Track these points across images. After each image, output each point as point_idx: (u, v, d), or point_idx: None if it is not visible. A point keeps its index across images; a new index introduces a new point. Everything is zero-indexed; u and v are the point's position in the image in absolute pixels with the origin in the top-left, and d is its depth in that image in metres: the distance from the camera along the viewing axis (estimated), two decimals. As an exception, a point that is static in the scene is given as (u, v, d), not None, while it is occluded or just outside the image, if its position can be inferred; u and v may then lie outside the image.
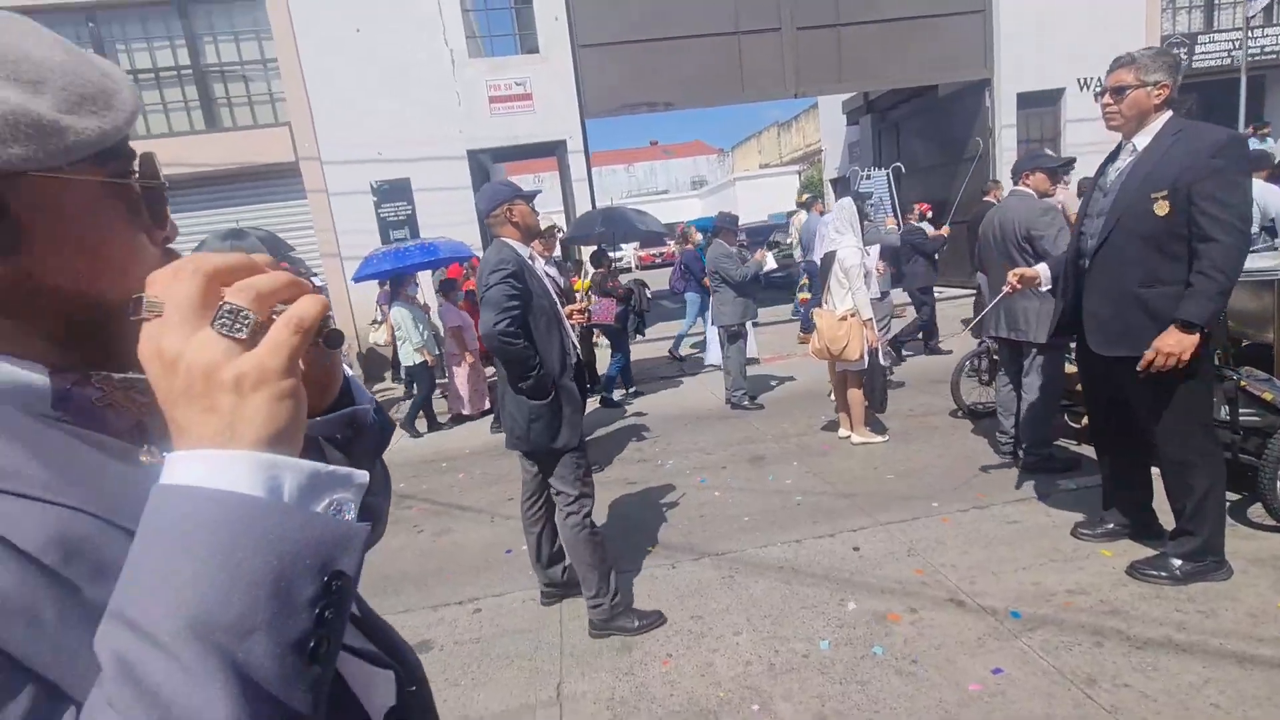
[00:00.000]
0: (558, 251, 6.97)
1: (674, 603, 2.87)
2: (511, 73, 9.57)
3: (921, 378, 6.17)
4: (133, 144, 0.52)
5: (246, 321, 0.41)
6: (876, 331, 4.39)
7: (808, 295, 7.80)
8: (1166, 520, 2.75)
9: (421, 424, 6.56)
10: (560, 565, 2.97)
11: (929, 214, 9.97)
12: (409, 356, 6.47)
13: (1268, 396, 2.89)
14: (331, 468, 0.44)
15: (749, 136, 45.52)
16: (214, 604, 0.37)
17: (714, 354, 7.29)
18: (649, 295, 7.39)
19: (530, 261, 2.67)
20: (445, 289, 6.84)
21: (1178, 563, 2.56)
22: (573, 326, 2.92)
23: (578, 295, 6.25)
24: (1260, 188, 4.79)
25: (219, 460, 0.40)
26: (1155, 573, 2.59)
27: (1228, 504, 2.66)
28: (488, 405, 6.79)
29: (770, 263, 6.07)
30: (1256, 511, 2.95)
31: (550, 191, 11.61)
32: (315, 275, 7.79)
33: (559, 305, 2.77)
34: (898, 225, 7.53)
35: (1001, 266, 3.66)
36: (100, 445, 0.47)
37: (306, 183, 9.24)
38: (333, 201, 9.27)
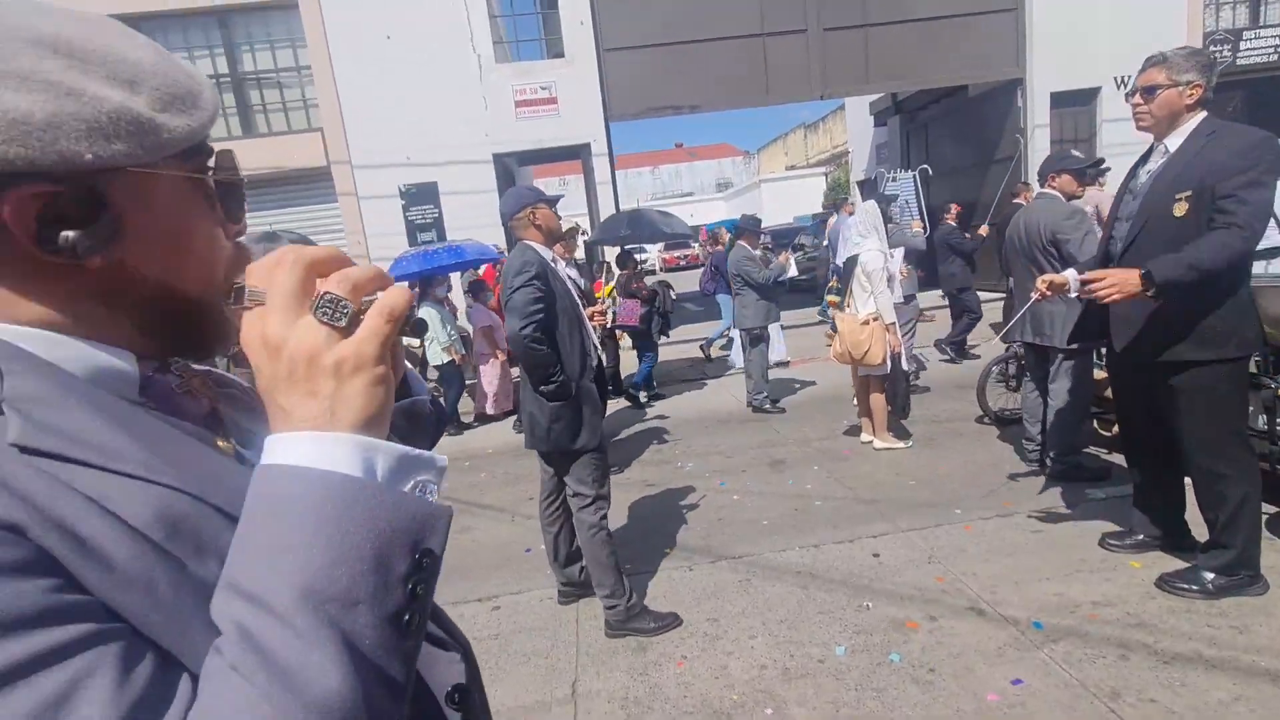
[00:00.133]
0: (580, 253, 7.03)
1: (690, 605, 2.88)
2: (537, 77, 9.68)
3: (947, 383, 6.07)
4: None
5: (345, 310, 0.43)
6: (900, 336, 4.34)
7: (836, 298, 7.74)
8: (1199, 532, 2.68)
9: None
10: (578, 565, 3.00)
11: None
12: (437, 356, 6.58)
13: (1308, 406, 2.79)
14: (417, 451, 0.46)
15: (775, 138, 45.24)
16: (323, 576, 0.39)
17: (738, 357, 7.28)
18: (673, 297, 7.40)
19: (553, 264, 2.71)
20: (475, 290, 6.94)
21: (1210, 576, 2.49)
22: (594, 329, 2.96)
23: (600, 300, 6.29)
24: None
25: (322, 442, 0.42)
26: (1186, 586, 2.52)
27: (1265, 516, 2.57)
28: (511, 405, 6.87)
29: (793, 269, 6.02)
30: (1296, 525, 2.85)
31: (575, 194, 11.71)
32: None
33: (580, 307, 2.80)
34: (924, 228, 7.41)
35: (1027, 270, 3.60)
36: (182, 430, 0.50)
37: (337, 186, 9.46)
38: (362, 205, 9.47)
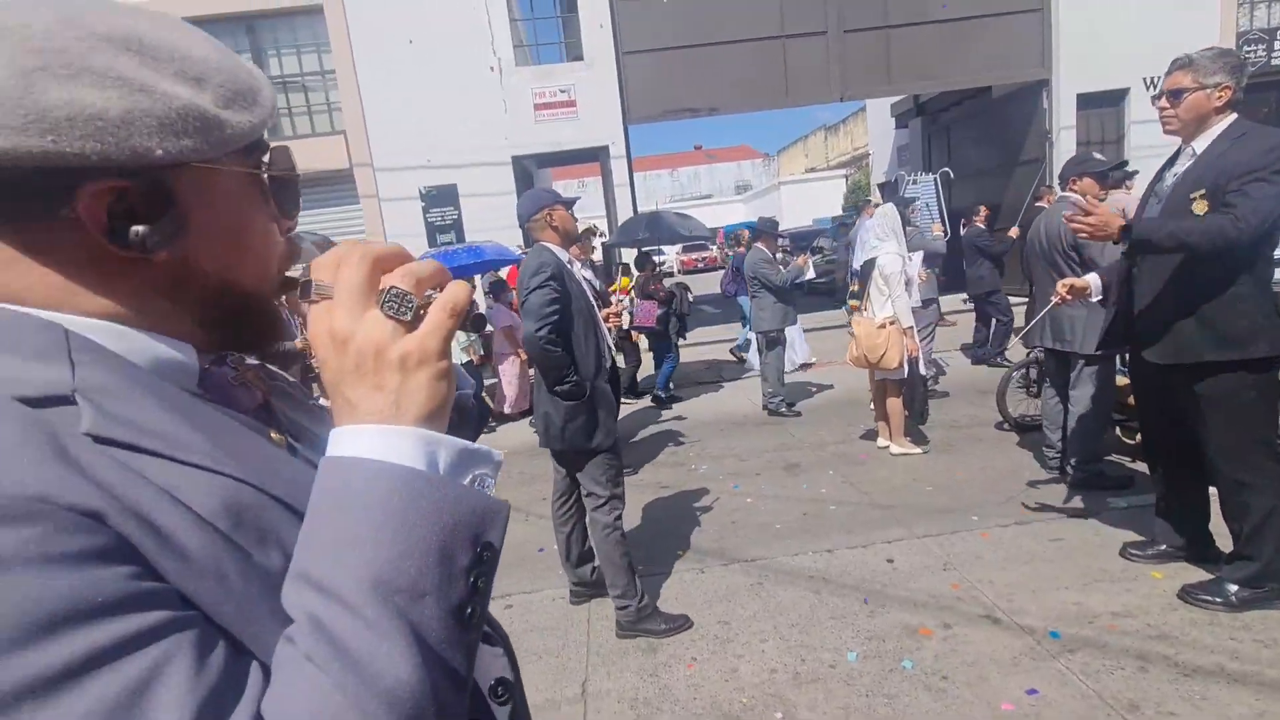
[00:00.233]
0: (599, 254, 7.06)
1: (701, 607, 2.88)
2: (556, 80, 9.74)
3: (968, 388, 5.99)
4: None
5: (410, 305, 0.44)
6: (917, 340, 4.30)
7: (857, 302, 7.68)
8: (1224, 543, 2.61)
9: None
10: (590, 565, 3.01)
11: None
12: (457, 355, 6.66)
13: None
14: (475, 445, 0.47)
15: (795, 140, 45.01)
16: (392, 568, 0.40)
17: (756, 359, 7.26)
18: (691, 299, 7.41)
19: (569, 266, 2.73)
20: (495, 290, 7.02)
21: (1234, 588, 2.43)
22: (609, 330, 2.97)
23: (615, 298, 6.32)
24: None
25: (388, 435, 0.43)
26: (1209, 598, 2.46)
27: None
28: (528, 405, 6.92)
29: (810, 272, 5.99)
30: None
31: (593, 196, 11.76)
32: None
33: (595, 309, 2.82)
34: (945, 232, 7.31)
35: (1047, 274, 3.54)
36: (239, 421, 0.50)
37: (359, 189, 9.61)
38: (383, 207, 9.61)
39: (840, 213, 23.88)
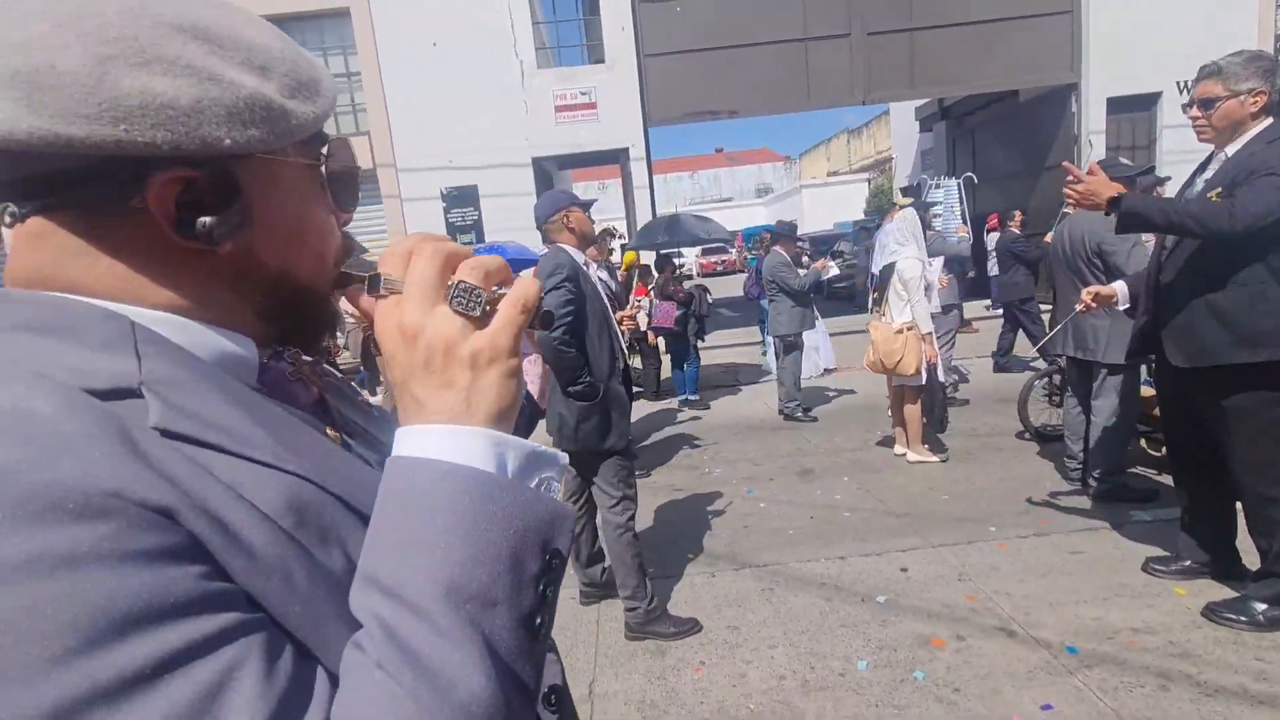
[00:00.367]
0: (616, 256, 7.08)
1: (711, 611, 2.87)
2: (578, 82, 9.80)
3: (990, 396, 5.89)
4: None
5: (479, 300, 0.43)
6: (936, 346, 4.24)
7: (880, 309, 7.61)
8: (1251, 560, 2.54)
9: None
10: (600, 566, 3.02)
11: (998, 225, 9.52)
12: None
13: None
14: (542, 447, 0.45)
15: (818, 144, 44.73)
16: (463, 574, 0.38)
17: (774, 363, 7.23)
18: (709, 301, 7.41)
19: (584, 267, 2.74)
20: None
21: (1261, 607, 2.36)
22: (622, 332, 2.98)
23: (632, 299, 6.32)
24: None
25: (458, 435, 0.42)
26: (1234, 616, 2.39)
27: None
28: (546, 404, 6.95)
29: (833, 269, 5.94)
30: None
31: (613, 198, 11.79)
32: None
33: (610, 310, 2.83)
34: (968, 234, 7.18)
35: (1070, 281, 3.47)
36: (298, 417, 0.49)
37: (382, 189, 9.74)
38: (405, 207, 9.73)
39: (862, 217, 23.67)
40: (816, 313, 7.59)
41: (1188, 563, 2.73)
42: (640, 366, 7.31)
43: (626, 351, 2.99)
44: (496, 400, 0.43)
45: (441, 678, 0.36)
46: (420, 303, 0.43)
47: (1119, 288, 2.90)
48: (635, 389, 6.87)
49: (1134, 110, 10.19)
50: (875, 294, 4.47)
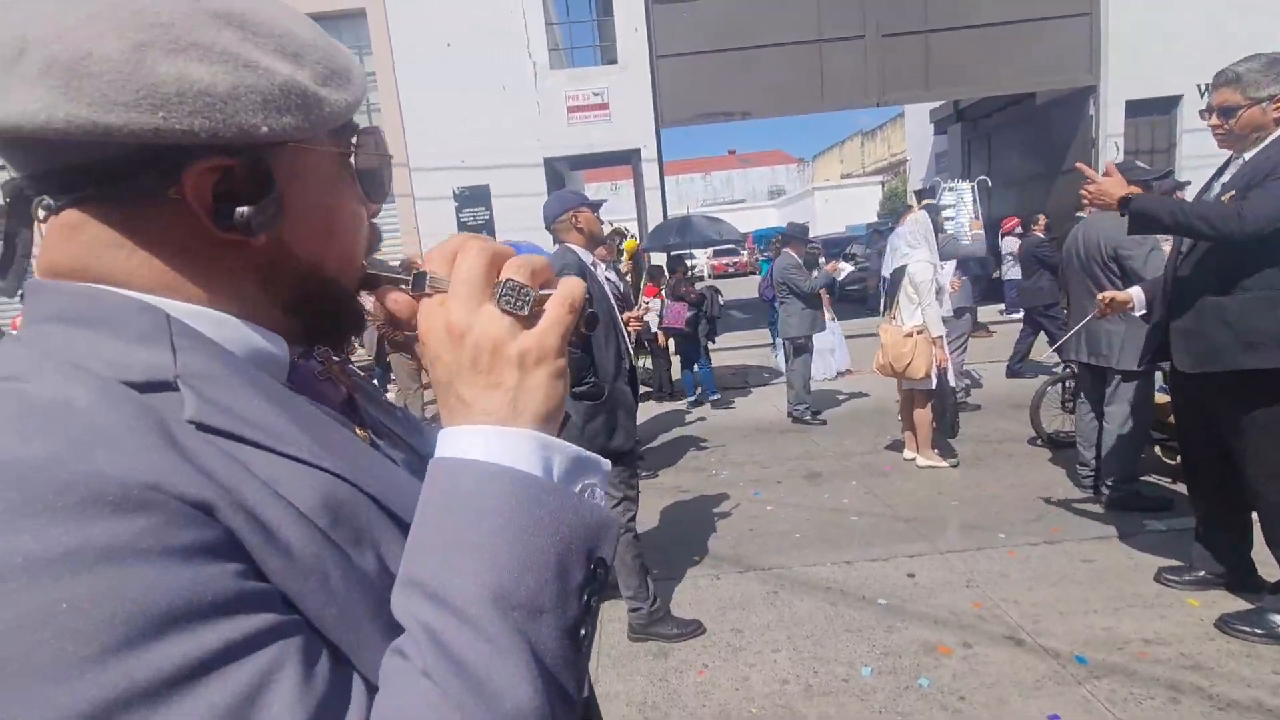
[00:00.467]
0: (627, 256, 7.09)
1: (715, 614, 2.85)
2: (590, 83, 9.82)
3: (1002, 402, 5.83)
4: None
5: (527, 299, 0.42)
6: (946, 350, 4.20)
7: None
8: (1268, 571, 2.49)
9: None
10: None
11: (1020, 229, 9.42)
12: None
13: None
14: (587, 452, 0.44)
15: (831, 146, 44.53)
16: (511, 580, 0.37)
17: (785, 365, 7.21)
18: (721, 302, 7.40)
19: (592, 268, 2.74)
20: None
21: (1277, 619, 2.31)
22: (629, 333, 2.97)
23: (642, 301, 6.32)
24: None
25: (505, 437, 0.40)
26: (1249, 629, 2.34)
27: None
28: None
29: (845, 270, 5.90)
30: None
31: (625, 199, 11.80)
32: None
33: (616, 311, 2.83)
34: (981, 231, 7.09)
35: (1084, 286, 3.43)
36: (329, 416, 0.48)
37: (395, 188, 9.80)
38: (417, 206, 9.80)
39: (875, 219, 23.52)
40: (833, 314, 7.57)
41: (1202, 573, 2.68)
42: (651, 367, 7.31)
43: (634, 352, 2.98)
44: (544, 401, 0.42)
45: (487, 687, 0.35)
46: (467, 301, 0.42)
47: (1135, 293, 2.86)
48: (644, 389, 6.88)
49: (1153, 113, 10.04)
50: (886, 297, 4.44)
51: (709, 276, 24.69)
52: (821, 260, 6.41)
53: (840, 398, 6.65)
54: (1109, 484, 3.51)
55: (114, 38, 0.38)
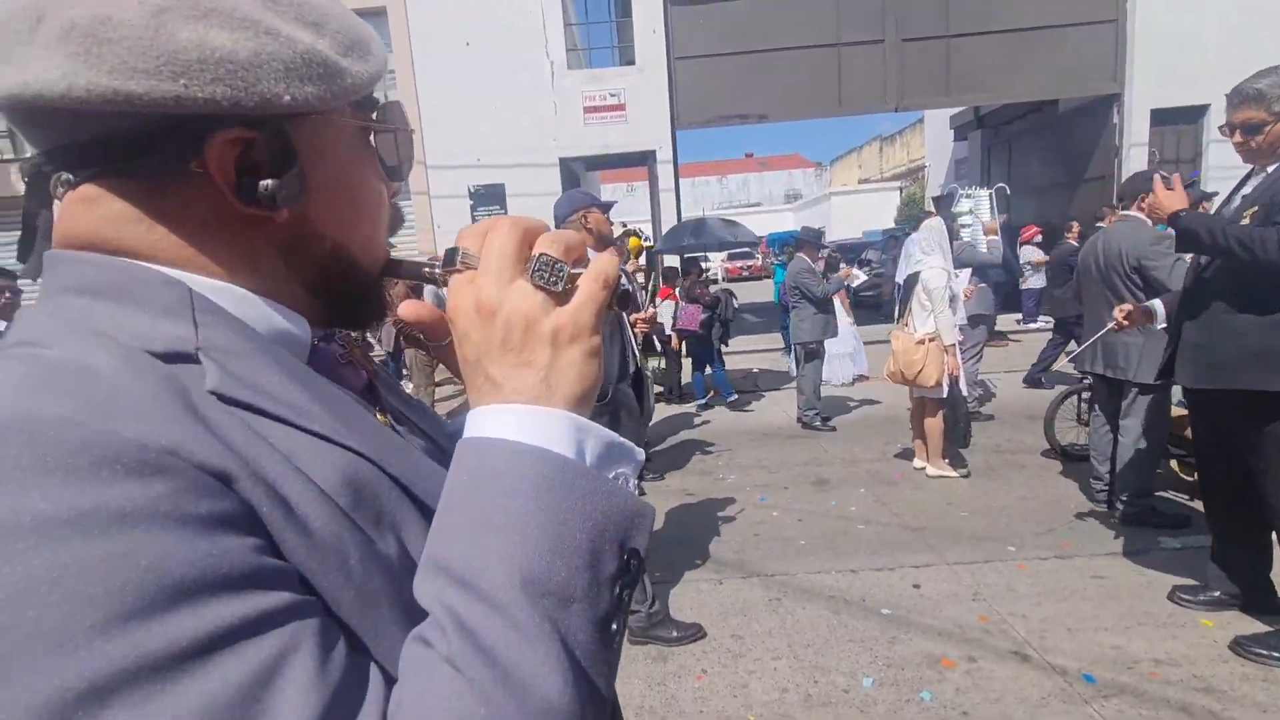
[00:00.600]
0: (640, 259, 7.08)
1: (716, 619, 2.83)
2: (607, 84, 9.83)
3: (1017, 412, 5.74)
4: None
5: (561, 274, 0.40)
6: (959, 359, 4.14)
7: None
8: (1285, 594, 2.42)
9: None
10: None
11: (1039, 238, 9.29)
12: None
13: None
14: (621, 438, 0.42)
15: (849, 150, 44.28)
16: (541, 566, 0.35)
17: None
18: (735, 305, 7.37)
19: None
20: None
21: (1294, 644, 2.24)
22: (635, 335, 2.96)
23: (656, 302, 6.32)
24: None
25: (538, 416, 0.39)
26: (1265, 652, 2.28)
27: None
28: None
29: (859, 276, 5.86)
30: (1406, 596, 2.53)
31: (641, 200, 11.80)
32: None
33: (624, 313, 2.82)
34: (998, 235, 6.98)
35: (1103, 296, 3.36)
36: (351, 398, 0.47)
37: (411, 185, 9.88)
38: (433, 204, 9.86)
39: (893, 225, 23.33)
40: (852, 318, 7.51)
41: (1217, 594, 2.62)
42: (665, 367, 7.30)
43: (643, 354, 2.97)
44: (578, 380, 0.40)
45: (515, 677, 0.33)
46: (498, 277, 0.40)
47: (1156, 306, 2.80)
48: (657, 388, 6.85)
49: (1179, 123, 9.87)
50: (900, 303, 4.39)
51: (722, 280, 24.63)
52: (841, 265, 6.38)
53: (851, 404, 6.59)
54: (1123, 499, 3.44)
55: (133, 3, 0.37)
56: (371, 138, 0.49)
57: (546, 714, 0.33)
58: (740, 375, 8.37)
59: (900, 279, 4.43)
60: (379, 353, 7.41)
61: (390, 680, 0.36)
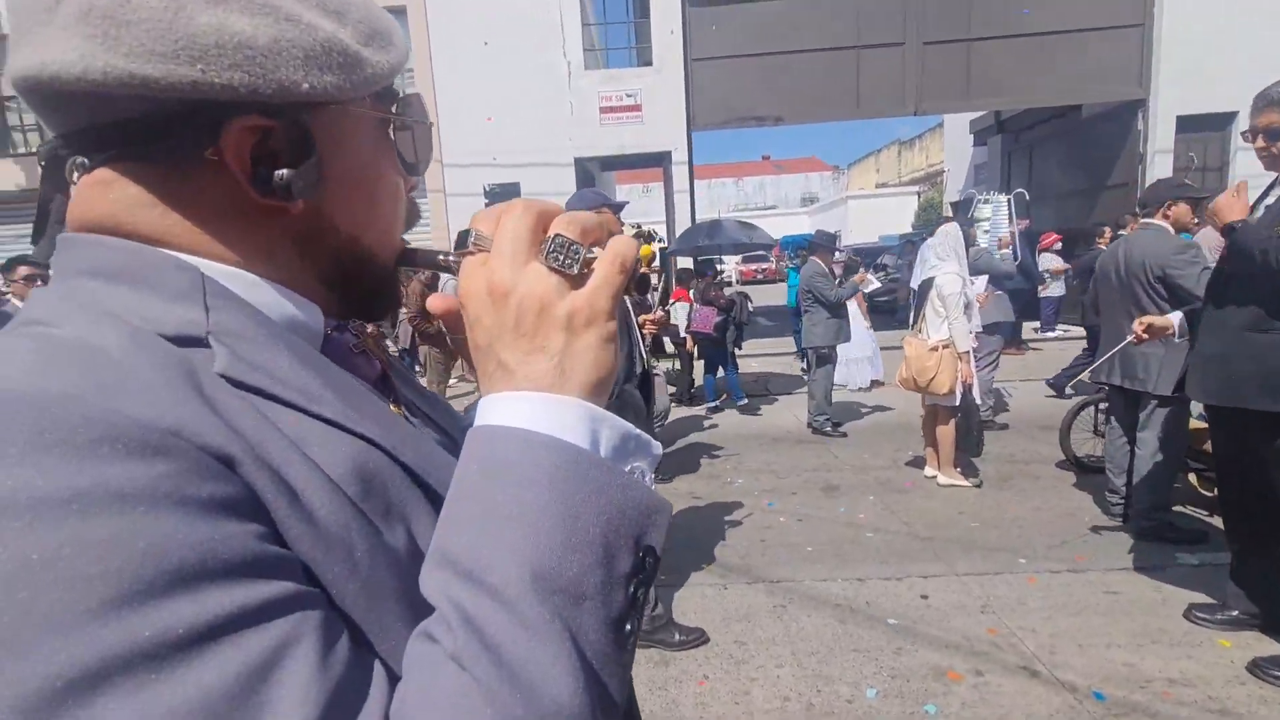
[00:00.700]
0: (655, 261, 7.08)
1: (719, 624, 2.81)
2: (624, 84, 9.84)
3: (1032, 422, 5.65)
4: None
5: (577, 256, 0.38)
6: (973, 366, 4.08)
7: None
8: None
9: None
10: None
11: (1059, 245, 9.15)
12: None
13: None
14: (638, 431, 0.40)
15: (867, 154, 43.98)
16: (553, 560, 0.33)
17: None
18: (750, 308, 7.33)
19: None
20: None
21: (1315, 667, 2.18)
22: (643, 336, 2.95)
23: (670, 304, 6.30)
24: None
25: (551, 404, 0.37)
26: (1284, 675, 2.22)
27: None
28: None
29: (873, 283, 5.79)
30: None
31: (656, 201, 11.79)
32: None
33: (631, 313, 2.81)
34: (1014, 254, 6.89)
35: (1122, 306, 3.29)
36: (365, 387, 0.46)
37: (427, 183, 9.95)
38: (448, 202, 9.92)
39: (910, 230, 23.11)
40: (869, 323, 7.44)
41: (1235, 613, 2.55)
42: (679, 368, 7.27)
43: (652, 354, 2.96)
44: (594, 367, 0.38)
45: (523, 677, 0.31)
46: (512, 259, 0.38)
47: (1175, 318, 2.74)
48: (671, 389, 6.83)
49: (1206, 130, 9.67)
50: (914, 309, 4.34)
51: (736, 282, 24.55)
52: (860, 269, 6.32)
53: (863, 410, 6.52)
54: (1140, 512, 3.36)
55: None
56: (390, 131, 0.48)
57: (556, 716, 0.31)
58: (751, 379, 8.33)
59: (915, 284, 4.38)
60: (394, 349, 7.48)
61: (394, 676, 0.35)
